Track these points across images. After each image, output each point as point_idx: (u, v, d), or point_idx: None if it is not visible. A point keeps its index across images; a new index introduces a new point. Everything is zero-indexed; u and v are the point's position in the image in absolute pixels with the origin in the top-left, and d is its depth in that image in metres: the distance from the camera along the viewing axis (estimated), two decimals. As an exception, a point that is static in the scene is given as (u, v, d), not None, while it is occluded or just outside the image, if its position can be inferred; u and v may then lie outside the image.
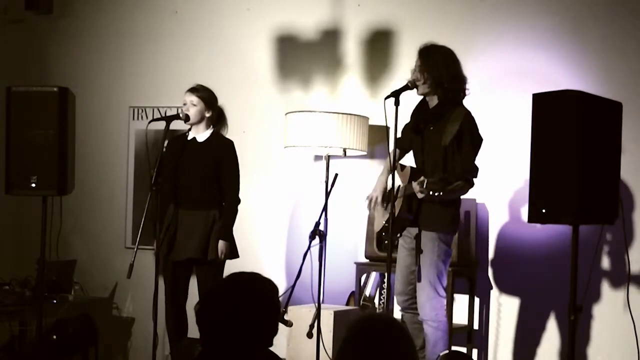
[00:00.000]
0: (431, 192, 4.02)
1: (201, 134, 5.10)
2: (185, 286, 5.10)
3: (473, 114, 4.46)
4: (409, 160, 4.74)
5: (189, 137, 5.13)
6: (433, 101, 4.51)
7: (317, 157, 5.73)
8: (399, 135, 4.42)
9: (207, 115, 5.09)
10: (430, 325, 4.45)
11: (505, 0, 5.33)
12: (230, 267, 5.10)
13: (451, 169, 4.31)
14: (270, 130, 5.82)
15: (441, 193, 4.02)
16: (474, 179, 4.31)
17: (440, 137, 4.36)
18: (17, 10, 6.64)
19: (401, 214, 4.48)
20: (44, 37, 6.63)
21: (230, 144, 5.11)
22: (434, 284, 4.43)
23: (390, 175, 4.44)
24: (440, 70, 4.40)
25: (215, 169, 5.05)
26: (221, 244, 4.98)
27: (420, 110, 4.58)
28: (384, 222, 4.65)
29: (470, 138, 4.38)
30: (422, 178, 4.10)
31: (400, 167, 4.59)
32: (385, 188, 4.59)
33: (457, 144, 4.34)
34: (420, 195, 4.19)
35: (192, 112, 5.05)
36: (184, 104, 5.08)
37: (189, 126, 5.14)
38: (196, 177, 5.03)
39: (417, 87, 4.46)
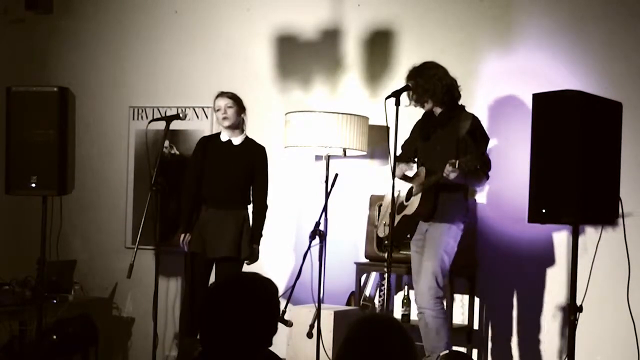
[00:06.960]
0: (467, 169, 4.32)
1: (237, 137, 5.22)
2: (207, 283, 5.17)
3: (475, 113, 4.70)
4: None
5: (223, 140, 5.21)
6: (438, 110, 4.74)
7: (317, 157, 5.73)
8: (399, 151, 4.60)
9: (241, 118, 5.23)
10: (429, 315, 4.58)
11: (505, 0, 5.33)
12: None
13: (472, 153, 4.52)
14: (270, 130, 5.81)
15: (466, 169, 4.32)
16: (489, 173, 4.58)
17: (452, 135, 4.60)
18: (17, 10, 6.64)
19: (418, 211, 4.62)
20: (44, 37, 6.63)
21: (264, 149, 5.29)
22: (436, 274, 4.58)
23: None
24: (436, 85, 4.64)
25: (250, 171, 5.20)
26: (256, 248, 5.17)
27: (426, 119, 4.81)
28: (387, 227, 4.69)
29: (481, 135, 4.63)
30: (452, 160, 4.34)
31: (416, 173, 4.78)
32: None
33: (467, 141, 4.56)
34: (452, 176, 4.39)
35: (230, 115, 5.15)
36: (217, 110, 5.16)
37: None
38: (233, 178, 5.17)
39: (423, 106, 4.73)
